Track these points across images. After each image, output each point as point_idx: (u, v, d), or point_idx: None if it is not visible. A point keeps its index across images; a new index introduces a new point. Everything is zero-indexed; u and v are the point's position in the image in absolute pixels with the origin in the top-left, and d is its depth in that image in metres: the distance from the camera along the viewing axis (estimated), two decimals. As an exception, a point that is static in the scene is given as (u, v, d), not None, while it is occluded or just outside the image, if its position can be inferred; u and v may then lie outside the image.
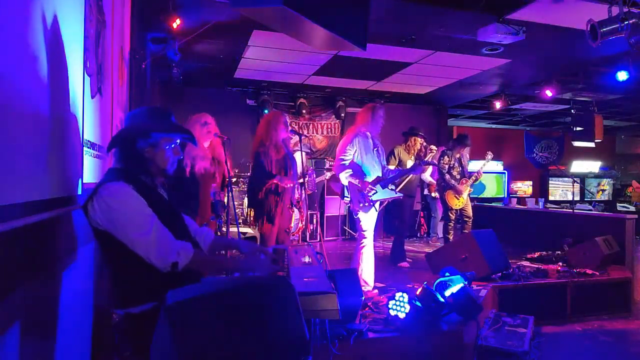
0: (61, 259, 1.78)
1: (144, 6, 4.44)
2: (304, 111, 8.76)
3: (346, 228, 8.22)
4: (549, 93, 7.60)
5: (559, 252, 5.09)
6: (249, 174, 6.41)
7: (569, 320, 4.08)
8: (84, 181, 2.08)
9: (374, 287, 3.96)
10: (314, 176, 7.13)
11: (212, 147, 3.82)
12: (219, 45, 5.96)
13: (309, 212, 6.66)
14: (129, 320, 1.69)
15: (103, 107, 2.57)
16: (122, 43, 3.36)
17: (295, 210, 4.20)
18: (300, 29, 2.49)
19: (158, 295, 1.44)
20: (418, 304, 2.65)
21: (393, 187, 4.24)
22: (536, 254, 5.14)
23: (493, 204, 7.94)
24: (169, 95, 7.72)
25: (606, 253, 4.63)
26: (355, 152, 3.93)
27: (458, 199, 5.71)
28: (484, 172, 5.87)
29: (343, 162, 3.90)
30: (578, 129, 9.44)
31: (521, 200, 8.32)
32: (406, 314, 2.63)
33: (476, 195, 8.33)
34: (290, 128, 4.10)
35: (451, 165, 5.76)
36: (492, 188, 10.01)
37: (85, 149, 2.11)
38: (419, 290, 2.70)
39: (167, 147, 1.83)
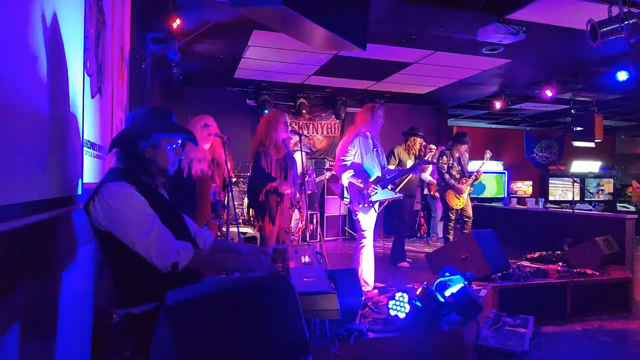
0: (61, 259, 1.78)
1: (144, 6, 4.45)
2: (304, 111, 8.75)
3: (346, 228, 8.22)
4: (549, 93, 7.60)
5: (559, 252, 5.09)
6: (249, 174, 6.42)
7: (569, 320, 4.08)
8: (84, 181, 2.08)
9: (374, 287, 3.96)
10: (314, 176, 7.14)
11: (212, 148, 3.82)
12: (219, 45, 5.96)
13: (309, 212, 6.67)
14: (130, 321, 1.69)
15: (103, 107, 2.57)
16: (122, 43, 3.36)
17: (295, 210, 4.20)
18: (300, 29, 2.49)
19: (159, 296, 1.44)
20: (418, 304, 2.65)
21: (392, 188, 4.24)
22: (536, 254, 5.14)
23: (493, 204, 7.94)
24: (169, 95, 7.72)
25: (606, 253, 4.63)
26: (356, 152, 3.93)
27: (458, 199, 5.71)
28: (483, 172, 5.87)
29: (344, 163, 3.90)
30: (578, 129, 9.44)
31: (521, 200, 8.32)
32: (406, 314, 2.63)
33: (476, 195, 8.33)
34: (290, 128, 4.10)
35: (450, 165, 5.76)
36: (492, 188, 10.01)
37: (85, 149, 2.11)
38: (419, 290, 2.70)
39: (168, 147, 1.83)
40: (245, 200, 6.73)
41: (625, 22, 3.58)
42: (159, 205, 1.75)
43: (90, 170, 2.24)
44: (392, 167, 4.97)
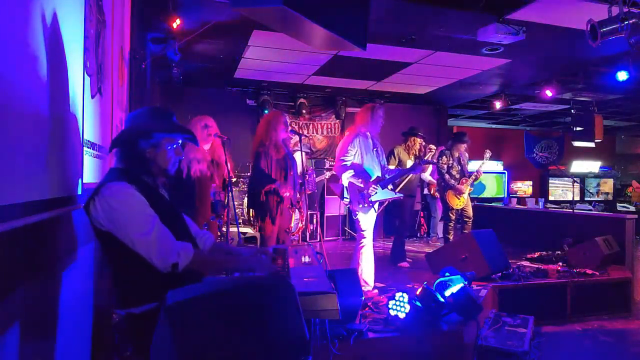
0: (61, 259, 1.78)
1: (144, 6, 4.45)
2: (304, 111, 8.75)
3: (346, 228, 8.22)
4: (549, 93, 7.61)
5: (559, 252, 5.09)
6: (249, 174, 6.41)
7: (569, 320, 4.08)
8: (83, 181, 2.08)
9: (374, 287, 3.96)
10: (314, 176, 7.14)
11: (212, 149, 3.83)
12: (219, 45, 5.96)
13: (309, 212, 6.67)
14: (131, 321, 1.69)
15: (103, 107, 2.57)
16: (122, 43, 3.36)
17: (295, 210, 4.20)
18: (300, 29, 2.49)
19: (159, 296, 1.44)
20: (418, 304, 2.65)
21: (392, 188, 4.24)
22: (536, 254, 5.14)
23: (493, 204, 7.93)
24: (169, 95, 7.72)
25: (606, 253, 4.63)
26: (356, 152, 3.93)
27: (459, 199, 5.72)
28: (483, 172, 5.87)
29: (344, 163, 3.90)
30: (578, 129, 9.44)
31: (521, 200, 8.32)
32: (406, 314, 2.63)
33: (476, 195, 8.33)
34: (290, 128, 4.10)
35: (450, 165, 5.76)
36: (492, 188, 10.01)
37: (85, 149, 2.11)
38: (419, 290, 2.70)
39: (169, 147, 1.83)
40: (245, 200, 6.73)
41: (625, 22, 3.58)
42: (160, 206, 1.75)
43: (90, 170, 2.24)
44: (392, 167, 4.97)
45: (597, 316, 4.22)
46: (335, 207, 8.03)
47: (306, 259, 2.25)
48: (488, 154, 5.94)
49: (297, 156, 4.23)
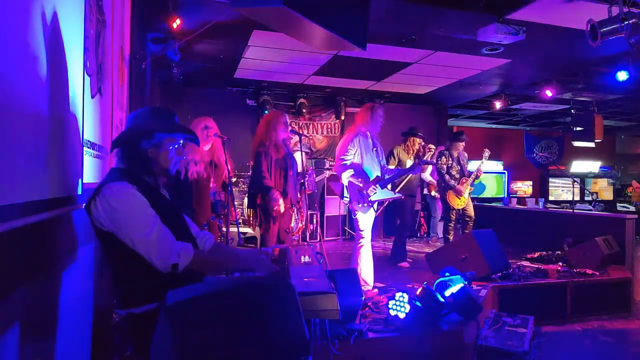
0: (61, 259, 1.78)
1: (144, 6, 4.45)
2: (304, 111, 8.76)
3: (346, 228, 8.22)
4: (549, 93, 7.61)
5: (559, 252, 5.09)
6: (249, 174, 6.41)
7: (569, 320, 4.08)
8: (84, 181, 2.08)
9: (374, 287, 3.96)
10: (314, 176, 7.14)
11: (212, 149, 3.83)
12: (219, 45, 5.96)
13: (309, 212, 6.66)
14: (131, 321, 1.69)
15: (103, 107, 2.57)
16: (122, 43, 3.36)
17: (295, 210, 4.20)
18: (300, 29, 2.49)
19: (160, 296, 1.44)
20: (418, 304, 2.65)
21: (391, 187, 4.24)
22: (536, 254, 5.13)
23: (493, 204, 7.93)
24: (169, 95, 7.72)
25: (606, 253, 4.62)
26: (355, 151, 3.93)
27: (459, 199, 5.72)
28: (483, 172, 5.87)
29: (344, 162, 3.90)
30: (578, 129, 9.45)
31: (521, 200, 8.32)
32: (406, 314, 2.63)
33: (476, 195, 8.33)
34: (290, 128, 4.10)
35: (449, 165, 5.76)
36: (492, 188, 10.02)
37: (85, 149, 2.11)
38: (419, 290, 2.70)
39: (171, 147, 1.83)
40: (245, 200, 6.73)
41: (625, 22, 3.58)
42: (161, 206, 1.75)
43: (90, 170, 2.24)
44: (391, 167, 4.98)
45: (597, 316, 4.22)
46: (335, 207, 8.03)
47: (306, 259, 2.25)
48: (487, 153, 5.94)
49: (297, 156, 4.24)
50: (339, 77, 7.72)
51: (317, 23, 2.32)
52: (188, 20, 4.76)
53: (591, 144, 9.57)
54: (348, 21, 2.55)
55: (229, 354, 1.27)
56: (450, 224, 5.82)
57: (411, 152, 5.62)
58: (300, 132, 7.14)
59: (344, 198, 4.00)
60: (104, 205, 1.63)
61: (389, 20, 5.00)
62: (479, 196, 9.09)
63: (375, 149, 4.08)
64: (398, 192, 5.33)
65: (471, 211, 5.83)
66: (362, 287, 2.81)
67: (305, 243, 4.34)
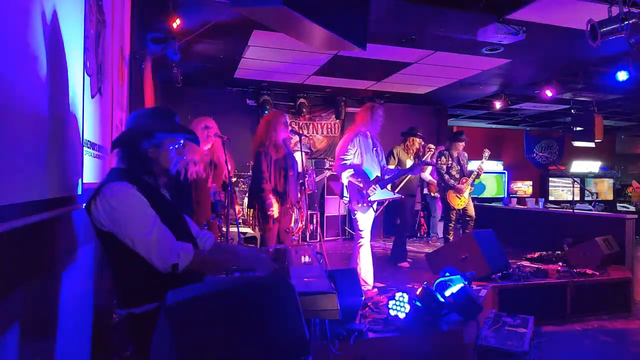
0: (61, 259, 1.78)
1: (144, 6, 4.45)
2: (304, 111, 8.76)
3: (346, 228, 8.22)
4: (549, 93, 7.60)
5: (559, 252, 5.09)
6: (249, 174, 6.41)
7: (569, 320, 4.08)
8: (84, 181, 2.08)
9: (374, 287, 3.96)
10: (314, 176, 7.14)
11: (212, 149, 3.83)
12: (219, 45, 5.96)
13: (309, 212, 6.67)
14: (131, 320, 1.69)
15: (103, 107, 2.57)
16: (122, 43, 3.36)
17: (295, 210, 4.21)
18: (300, 29, 2.49)
19: (160, 296, 1.44)
20: (418, 304, 2.65)
21: (390, 187, 4.24)
22: (536, 254, 5.13)
23: (493, 204, 7.94)
24: (169, 96, 7.72)
25: (606, 253, 4.62)
26: (355, 151, 3.93)
27: (460, 199, 5.71)
28: (484, 172, 5.87)
29: (344, 162, 3.91)
30: (578, 129, 9.45)
31: (521, 200, 8.32)
32: (406, 314, 2.63)
33: (476, 195, 8.33)
34: (290, 128, 4.10)
35: (449, 165, 5.76)
36: (492, 188, 10.02)
37: (85, 149, 2.11)
38: (419, 290, 2.70)
39: (171, 147, 1.83)
40: (245, 200, 6.72)
41: (625, 22, 3.58)
42: (161, 206, 1.75)
43: (90, 170, 2.24)
44: (391, 167, 4.97)
45: (597, 316, 4.22)
46: (335, 207, 8.03)
47: (306, 259, 2.25)
48: (487, 153, 5.94)
49: (297, 156, 4.24)
50: (339, 77, 7.72)
51: (317, 23, 2.32)
52: (188, 20, 4.76)
53: (591, 144, 9.57)
54: (348, 21, 2.56)
55: (229, 354, 1.27)
56: (451, 224, 5.82)
57: (411, 152, 5.62)
58: (300, 132, 7.15)
59: (344, 198, 4.00)
60: (104, 205, 1.63)
61: (389, 20, 5.00)
62: (479, 196, 9.09)
63: (375, 149, 4.08)
64: (398, 192, 5.33)
65: (472, 211, 5.83)
66: (362, 287, 2.82)
67: (305, 243, 4.34)
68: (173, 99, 7.81)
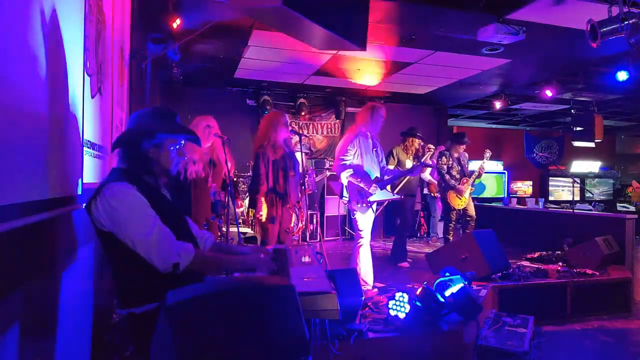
0: (61, 259, 1.78)
1: (144, 6, 4.44)
2: (304, 111, 8.76)
3: (346, 228, 8.23)
4: (549, 93, 7.60)
5: (559, 252, 5.09)
6: (249, 174, 6.42)
7: (569, 320, 4.08)
8: (84, 181, 2.08)
9: (374, 287, 3.96)
10: (314, 176, 7.14)
11: (212, 147, 3.84)
12: (219, 45, 5.96)
13: (309, 212, 6.67)
14: (131, 320, 1.69)
15: (103, 107, 2.57)
16: (122, 43, 3.36)
17: (295, 210, 4.21)
18: (300, 29, 2.50)
19: (160, 296, 1.44)
20: (418, 304, 2.65)
21: (390, 188, 4.25)
22: (536, 254, 5.13)
23: (493, 204, 7.93)
24: (169, 95, 7.72)
25: (606, 253, 4.62)
26: (355, 152, 3.93)
27: (460, 199, 5.71)
28: (484, 172, 5.87)
29: (344, 162, 3.90)
30: (578, 129, 9.45)
31: (521, 200, 8.32)
32: (406, 314, 2.63)
33: (476, 195, 8.33)
34: (290, 128, 4.11)
35: (450, 166, 5.76)
36: (492, 188, 10.01)
37: (85, 149, 2.11)
38: (419, 290, 2.70)
39: (172, 147, 1.83)
40: (246, 201, 6.73)
41: (625, 22, 3.58)
42: (161, 206, 1.75)
43: (90, 170, 2.24)
44: (390, 167, 4.97)
45: (597, 316, 4.22)
46: (335, 207, 8.03)
47: (306, 259, 2.25)
48: (488, 153, 5.94)
49: (297, 156, 4.25)
50: (339, 77, 7.72)
51: (317, 23, 2.32)
52: (188, 20, 4.76)
53: (591, 144, 9.57)
54: (348, 21, 2.56)
55: (229, 354, 1.27)
56: (451, 224, 5.82)
57: (410, 152, 5.62)
58: (300, 132, 7.15)
59: (343, 198, 4.00)
60: (104, 205, 1.63)
61: (389, 20, 5.00)
62: (479, 196, 9.09)
63: (375, 149, 4.08)
64: (397, 192, 5.33)
65: (472, 211, 5.83)
66: (362, 287, 2.82)
67: (305, 243, 4.34)
68: (173, 99, 7.81)
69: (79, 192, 2.00)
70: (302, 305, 1.39)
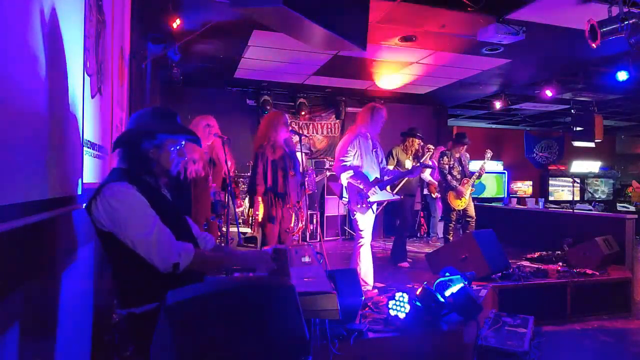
0: (61, 259, 1.78)
1: (144, 6, 4.44)
2: (304, 111, 8.76)
3: (346, 228, 8.23)
4: (549, 93, 7.60)
5: (559, 252, 5.09)
6: (249, 174, 6.41)
7: (569, 320, 4.08)
8: (84, 181, 2.08)
9: (374, 287, 3.96)
10: (314, 176, 7.13)
11: (211, 146, 3.84)
12: (219, 45, 5.96)
13: (309, 212, 6.67)
14: (132, 320, 1.69)
15: (103, 107, 2.57)
16: (122, 43, 3.36)
17: (295, 210, 4.21)
18: (300, 29, 2.50)
19: (161, 296, 1.44)
20: (418, 304, 2.65)
21: (390, 188, 4.25)
22: (536, 254, 5.13)
23: (493, 204, 7.93)
24: (169, 95, 7.72)
25: (606, 253, 4.62)
26: (355, 153, 3.93)
27: (460, 200, 5.71)
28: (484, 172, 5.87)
29: (344, 163, 3.90)
30: (578, 129, 9.44)
31: (521, 200, 8.32)
32: (406, 314, 2.63)
33: (476, 195, 8.32)
34: (290, 128, 4.11)
35: (451, 166, 5.76)
36: (492, 188, 10.01)
37: (85, 149, 2.11)
38: (419, 290, 2.70)
39: (172, 148, 1.83)
40: (246, 201, 6.72)
41: (625, 22, 3.58)
42: (162, 206, 1.75)
43: (90, 170, 2.24)
44: (390, 167, 4.97)
45: (597, 316, 4.22)
46: (335, 207, 8.03)
47: (306, 259, 2.25)
48: (489, 153, 5.93)
49: (297, 156, 4.25)
50: (339, 77, 7.72)
51: (317, 23, 2.32)
52: (188, 20, 4.76)
53: (591, 144, 9.57)
54: (348, 21, 2.56)
55: (229, 354, 1.27)
56: (451, 224, 5.81)
57: (410, 152, 5.61)
58: (300, 132, 7.14)
59: (343, 198, 4.00)
60: (104, 205, 1.63)
61: (389, 20, 5.00)
62: (479, 196, 9.08)
63: (375, 150, 4.08)
64: (397, 192, 5.33)
65: (472, 211, 5.82)
66: (362, 287, 2.82)
67: (305, 243, 4.34)
68: (173, 99, 7.81)
69: (79, 192, 2.00)
70: (302, 305, 1.39)
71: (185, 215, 2.01)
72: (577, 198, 10.61)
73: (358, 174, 3.89)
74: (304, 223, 4.58)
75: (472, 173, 5.80)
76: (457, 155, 5.84)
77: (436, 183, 7.29)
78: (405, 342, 2.57)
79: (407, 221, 5.87)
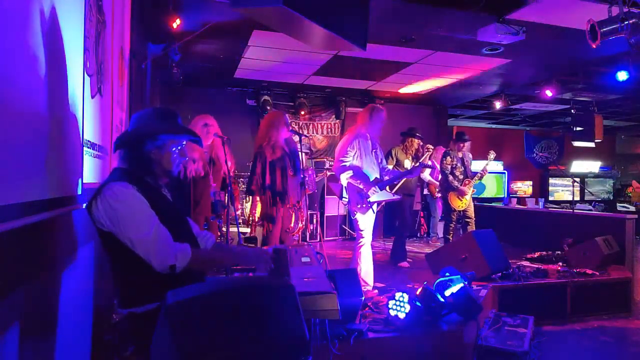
0: (61, 259, 1.78)
1: (144, 6, 4.45)
2: (303, 111, 8.76)
3: (346, 228, 8.22)
4: (549, 93, 7.60)
5: (559, 252, 5.09)
6: (248, 174, 6.41)
7: (569, 320, 4.08)
8: (84, 181, 2.08)
9: (374, 287, 3.96)
10: (314, 176, 7.13)
11: (211, 146, 3.85)
12: (219, 45, 5.96)
13: (309, 212, 6.67)
14: (132, 320, 1.69)
15: (103, 107, 2.57)
16: (122, 43, 3.36)
17: (295, 210, 4.21)
18: (300, 29, 2.50)
19: (161, 296, 1.44)
20: (418, 304, 2.65)
21: (389, 188, 4.25)
22: (536, 254, 5.13)
23: (493, 204, 7.93)
24: (169, 95, 7.72)
25: (606, 253, 4.62)
26: (355, 153, 3.93)
27: (461, 200, 5.71)
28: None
29: (344, 164, 3.90)
30: (578, 129, 9.45)
31: (521, 200, 8.32)
32: (406, 314, 2.63)
33: (476, 196, 8.31)
34: (290, 128, 4.12)
35: (454, 166, 5.75)
36: (492, 188, 10.01)
37: (85, 149, 2.11)
38: (419, 290, 2.70)
39: (174, 148, 1.83)
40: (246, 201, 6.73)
41: (625, 22, 3.58)
42: (162, 206, 1.75)
43: (90, 170, 2.24)
44: (389, 167, 4.97)
45: (597, 316, 4.22)
46: (335, 207, 8.03)
47: (306, 259, 2.25)
48: (492, 154, 5.91)
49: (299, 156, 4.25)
50: (339, 77, 7.72)
51: (317, 23, 2.32)
52: (188, 21, 4.76)
53: (591, 144, 9.57)
54: (348, 21, 2.56)
55: (229, 354, 1.27)
56: (451, 224, 5.81)
57: (409, 152, 5.61)
58: (300, 132, 7.15)
59: (343, 199, 4.00)
60: (105, 205, 1.64)
61: (389, 20, 5.00)
62: (479, 196, 9.08)
63: (374, 150, 4.08)
64: (396, 192, 5.33)
65: (472, 212, 5.82)
66: (362, 287, 2.82)
67: (305, 243, 4.34)
68: (173, 99, 7.81)
69: (79, 192, 2.00)
70: (302, 305, 1.39)
71: (185, 215, 2.01)
72: (577, 198, 10.61)
73: (358, 173, 3.89)
74: (304, 223, 4.58)
75: (474, 173, 5.79)
76: (460, 154, 5.83)
77: (436, 183, 7.28)
78: (405, 342, 2.57)
79: (406, 221, 5.87)
